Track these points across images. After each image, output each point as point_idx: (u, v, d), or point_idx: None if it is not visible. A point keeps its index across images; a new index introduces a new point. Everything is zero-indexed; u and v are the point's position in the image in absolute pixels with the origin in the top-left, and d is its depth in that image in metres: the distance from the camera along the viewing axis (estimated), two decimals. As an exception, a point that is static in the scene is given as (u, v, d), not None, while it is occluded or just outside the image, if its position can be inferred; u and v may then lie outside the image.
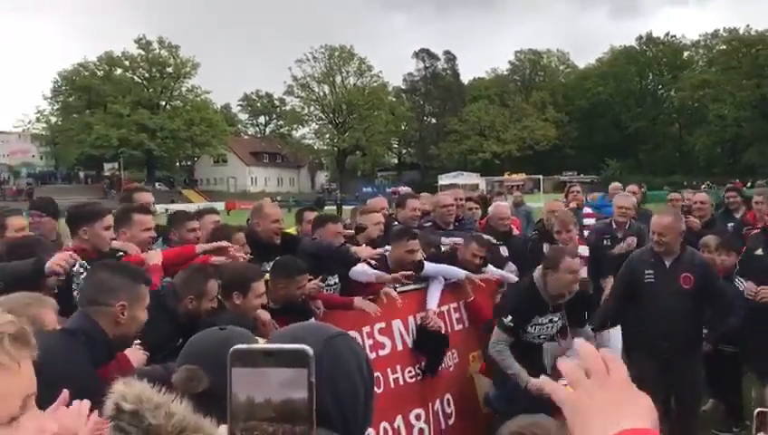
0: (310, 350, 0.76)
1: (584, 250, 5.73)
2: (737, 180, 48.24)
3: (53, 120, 70.26)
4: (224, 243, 4.20)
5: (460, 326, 5.69)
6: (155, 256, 3.87)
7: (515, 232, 7.13)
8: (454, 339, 5.48)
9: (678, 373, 5.02)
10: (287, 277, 4.13)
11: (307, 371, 0.75)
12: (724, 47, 73.08)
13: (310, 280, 4.42)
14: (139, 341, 3.07)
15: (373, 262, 4.93)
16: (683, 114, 77.17)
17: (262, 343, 0.77)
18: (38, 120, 70.48)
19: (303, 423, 0.75)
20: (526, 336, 4.72)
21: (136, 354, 3.02)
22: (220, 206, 41.42)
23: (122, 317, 2.60)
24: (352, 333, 4.76)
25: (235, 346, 0.77)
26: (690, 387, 5.04)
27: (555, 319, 4.76)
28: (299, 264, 4.23)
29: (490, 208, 7.59)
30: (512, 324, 4.55)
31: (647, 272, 4.99)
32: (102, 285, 2.64)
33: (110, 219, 4.17)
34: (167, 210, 17.63)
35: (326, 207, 34.48)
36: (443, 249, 5.82)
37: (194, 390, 1.43)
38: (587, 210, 8.43)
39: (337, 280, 4.97)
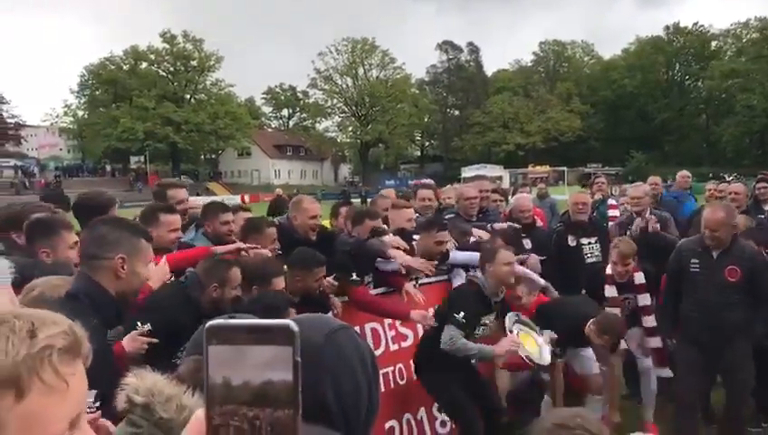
0: (294, 326, 0.69)
1: (640, 277, 5.53)
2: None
3: (80, 113, 71.37)
4: (240, 245, 4.16)
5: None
6: (156, 275, 3.51)
7: (539, 224, 7.09)
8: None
9: (726, 368, 4.96)
10: (304, 269, 4.13)
11: (292, 349, 0.69)
12: (756, 35, 71.72)
13: (342, 277, 4.44)
14: (150, 328, 3.07)
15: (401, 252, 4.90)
16: (710, 105, 75.99)
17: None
18: (65, 113, 71.65)
19: (287, 407, 0.68)
20: (471, 338, 4.66)
21: (134, 343, 3.01)
22: (237, 199, 41.55)
23: (122, 271, 2.51)
24: (374, 325, 4.84)
25: (211, 322, 0.72)
26: (741, 384, 4.92)
27: (488, 322, 4.75)
28: (317, 256, 4.20)
29: (512, 201, 7.56)
30: (464, 321, 4.48)
31: (692, 261, 4.97)
32: (102, 238, 2.55)
33: (115, 209, 4.19)
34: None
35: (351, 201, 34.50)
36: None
37: (202, 381, 1.44)
38: (611, 202, 8.37)
39: (370, 278, 4.94)
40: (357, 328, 4.19)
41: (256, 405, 0.69)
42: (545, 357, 4.81)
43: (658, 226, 6.21)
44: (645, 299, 5.49)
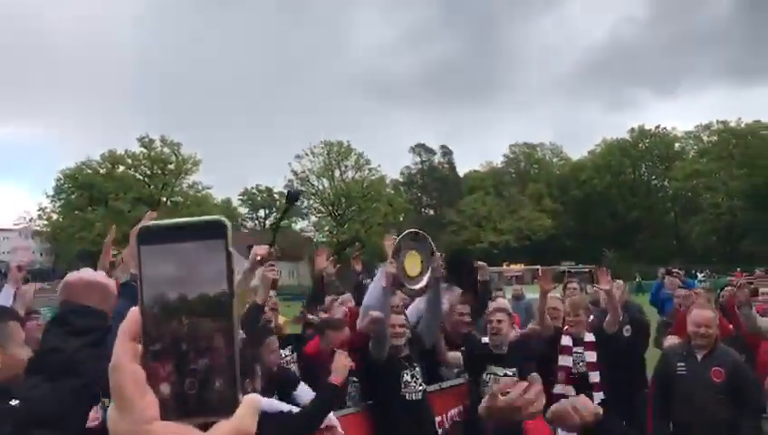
0: (225, 220, 0.69)
1: (590, 336, 5.94)
2: (738, 269, 48.18)
3: (55, 217, 71.10)
4: None
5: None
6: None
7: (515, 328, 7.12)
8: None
9: None
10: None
11: (224, 241, 0.68)
12: (715, 138, 75.02)
13: None
14: None
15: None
16: (677, 203, 78.19)
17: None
18: (40, 217, 71.35)
19: (224, 297, 0.68)
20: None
21: None
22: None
23: None
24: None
25: (142, 223, 0.72)
26: None
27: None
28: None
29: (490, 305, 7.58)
30: None
31: (679, 364, 5.14)
32: None
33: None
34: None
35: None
36: None
37: None
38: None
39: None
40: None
41: (193, 303, 0.68)
42: (419, 284, 4.91)
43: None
44: (591, 356, 5.85)
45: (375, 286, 5.07)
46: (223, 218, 0.69)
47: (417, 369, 4.91)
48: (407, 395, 4.80)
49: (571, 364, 5.87)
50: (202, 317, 0.68)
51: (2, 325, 2.45)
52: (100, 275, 2.77)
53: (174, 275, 0.68)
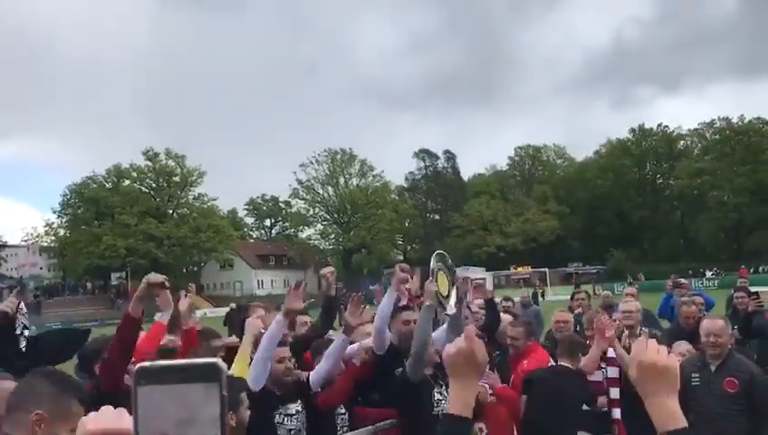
0: (222, 363, 0.71)
1: (611, 351, 5.81)
2: (742, 266, 48.26)
3: (62, 232, 71.42)
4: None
5: None
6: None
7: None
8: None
9: None
10: None
11: (219, 384, 0.70)
12: (717, 137, 74.73)
13: None
14: None
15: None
16: (683, 202, 77.87)
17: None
18: (47, 233, 71.66)
19: None
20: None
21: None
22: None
23: (38, 430, 2.14)
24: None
25: (140, 364, 0.72)
26: None
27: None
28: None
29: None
30: None
31: (693, 375, 5.14)
32: (28, 390, 2.26)
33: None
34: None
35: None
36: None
37: None
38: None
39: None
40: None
41: None
42: (451, 304, 5.05)
43: None
44: (613, 372, 5.83)
45: (385, 306, 5.12)
46: (218, 362, 0.71)
47: (443, 387, 4.99)
48: (439, 414, 4.90)
49: (601, 379, 5.80)
50: None
51: (61, 399, 2.30)
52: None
53: (169, 417, 0.69)
